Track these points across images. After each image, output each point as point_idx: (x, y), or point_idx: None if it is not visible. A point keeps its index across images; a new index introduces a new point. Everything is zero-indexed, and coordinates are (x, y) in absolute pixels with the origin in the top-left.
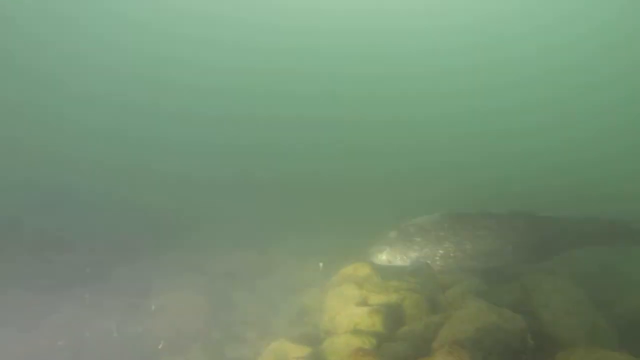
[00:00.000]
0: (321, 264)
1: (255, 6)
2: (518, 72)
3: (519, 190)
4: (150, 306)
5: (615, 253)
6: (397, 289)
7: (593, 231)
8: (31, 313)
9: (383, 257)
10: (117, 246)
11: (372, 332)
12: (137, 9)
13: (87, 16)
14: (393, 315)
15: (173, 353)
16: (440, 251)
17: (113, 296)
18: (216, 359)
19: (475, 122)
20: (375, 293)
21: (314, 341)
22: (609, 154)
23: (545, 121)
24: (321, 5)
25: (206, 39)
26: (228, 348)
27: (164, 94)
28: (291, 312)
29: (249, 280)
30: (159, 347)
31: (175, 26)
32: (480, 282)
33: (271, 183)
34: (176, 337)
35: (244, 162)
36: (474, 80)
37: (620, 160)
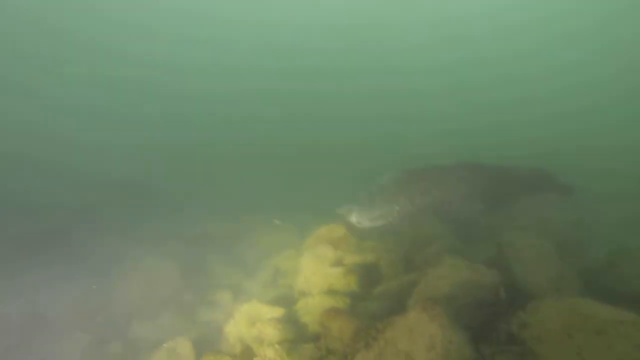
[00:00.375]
0: (277, 221)
1: None
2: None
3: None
4: (119, 272)
5: (585, 210)
6: (372, 248)
7: (530, 181)
8: None
9: (352, 218)
10: (86, 216)
11: (347, 292)
12: None
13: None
14: (369, 275)
15: (143, 318)
16: (397, 207)
17: (81, 262)
18: (187, 322)
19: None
20: (350, 253)
21: (288, 302)
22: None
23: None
24: None
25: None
26: (200, 311)
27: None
28: (265, 274)
29: (223, 245)
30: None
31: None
32: (457, 241)
33: (243, 155)
34: (146, 302)
35: (217, 135)
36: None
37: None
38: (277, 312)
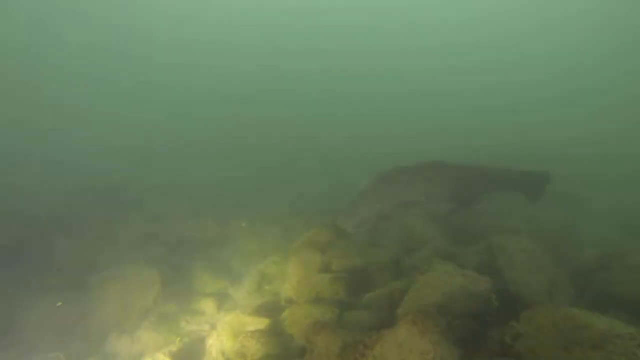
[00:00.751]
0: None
1: None
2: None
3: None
4: (96, 282)
5: (575, 211)
6: (361, 253)
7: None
8: None
9: (340, 224)
10: (62, 221)
11: (335, 300)
12: None
13: None
14: (357, 281)
15: (121, 332)
16: (374, 212)
17: (56, 273)
18: (169, 335)
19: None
20: (338, 258)
21: (274, 311)
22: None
23: None
24: None
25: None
26: (183, 322)
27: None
28: (251, 281)
29: (207, 250)
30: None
31: None
32: (448, 244)
33: (230, 151)
34: (125, 314)
35: (203, 129)
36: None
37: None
38: (262, 323)
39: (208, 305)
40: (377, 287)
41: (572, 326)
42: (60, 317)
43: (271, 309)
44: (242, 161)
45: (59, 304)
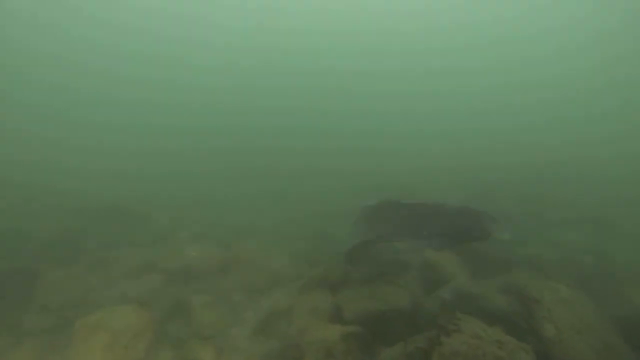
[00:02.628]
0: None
1: None
2: None
3: None
4: (80, 329)
5: (603, 233)
6: (375, 294)
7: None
8: None
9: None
10: (52, 247)
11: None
12: None
13: None
14: (372, 333)
15: None
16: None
17: (39, 311)
18: None
19: None
20: (350, 302)
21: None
22: None
23: None
24: None
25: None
26: None
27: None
28: (255, 319)
29: (208, 280)
30: None
31: None
32: (469, 280)
33: (238, 168)
34: None
35: (207, 142)
36: None
37: None
38: None
39: (207, 353)
40: (394, 339)
41: None
42: None
43: (277, 356)
44: (248, 178)
45: None
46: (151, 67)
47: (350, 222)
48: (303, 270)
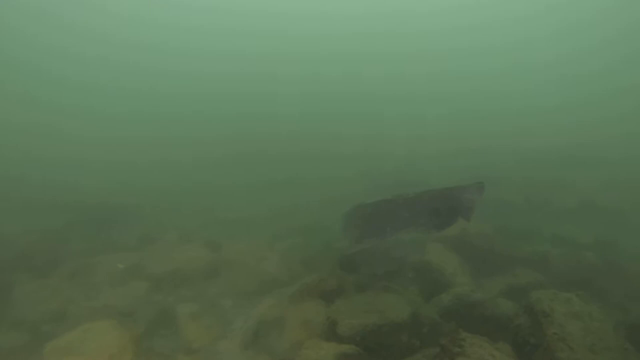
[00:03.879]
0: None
1: None
2: None
3: None
4: (52, 352)
5: (611, 225)
6: (371, 304)
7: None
8: None
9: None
10: (27, 253)
11: None
12: None
13: None
14: (369, 353)
15: None
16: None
17: (8, 330)
18: None
19: None
20: (345, 314)
21: None
22: None
23: None
24: None
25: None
26: None
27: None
28: (244, 330)
29: (196, 286)
30: None
31: None
32: (471, 281)
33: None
34: None
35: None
36: None
37: None
38: None
39: None
40: (391, 357)
41: None
42: None
43: None
44: (245, 167)
45: None
46: (148, 55)
47: (340, 226)
48: (296, 272)
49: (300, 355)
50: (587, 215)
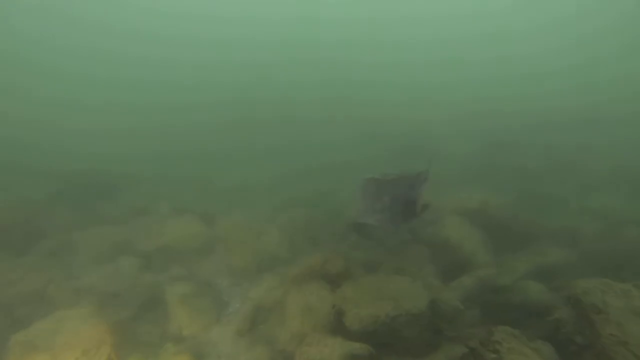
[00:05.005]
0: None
1: None
2: None
3: None
4: (15, 341)
5: None
6: (382, 289)
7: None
8: None
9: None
10: (1, 227)
11: None
12: None
13: None
14: (381, 351)
15: None
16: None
17: None
18: None
19: None
20: (354, 303)
21: None
22: None
23: None
24: None
25: None
26: None
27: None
28: (240, 315)
29: (187, 263)
30: None
31: None
32: (492, 259)
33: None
34: None
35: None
36: None
37: None
38: None
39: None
40: (407, 356)
41: None
42: None
43: None
44: (240, 138)
45: None
46: (146, 21)
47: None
48: (299, 247)
49: (301, 351)
50: (619, 184)
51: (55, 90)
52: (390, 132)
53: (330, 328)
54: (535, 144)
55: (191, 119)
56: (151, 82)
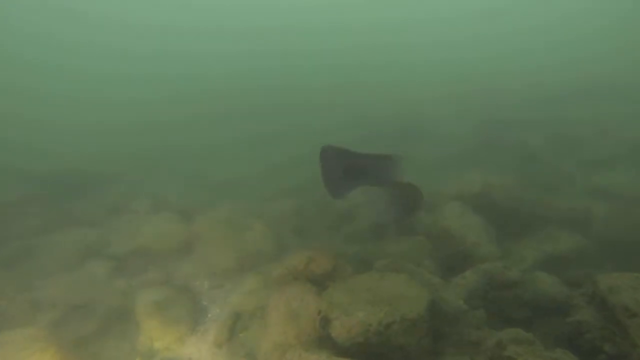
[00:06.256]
0: None
1: None
2: None
3: None
4: None
5: None
6: (376, 292)
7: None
8: None
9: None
10: None
11: None
12: None
13: None
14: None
15: None
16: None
17: None
18: None
19: None
20: (341, 310)
21: None
22: None
23: None
24: None
25: None
26: None
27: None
28: (218, 324)
29: (163, 266)
30: None
31: None
32: (497, 249)
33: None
34: None
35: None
36: None
37: None
38: None
39: None
40: None
41: None
42: None
43: None
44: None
45: None
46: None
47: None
48: (286, 242)
49: (287, 351)
50: (630, 160)
51: (31, 82)
52: (381, 113)
53: (316, 337)
54: (535, 119)
55: (184, 111)
56: (137, 75)
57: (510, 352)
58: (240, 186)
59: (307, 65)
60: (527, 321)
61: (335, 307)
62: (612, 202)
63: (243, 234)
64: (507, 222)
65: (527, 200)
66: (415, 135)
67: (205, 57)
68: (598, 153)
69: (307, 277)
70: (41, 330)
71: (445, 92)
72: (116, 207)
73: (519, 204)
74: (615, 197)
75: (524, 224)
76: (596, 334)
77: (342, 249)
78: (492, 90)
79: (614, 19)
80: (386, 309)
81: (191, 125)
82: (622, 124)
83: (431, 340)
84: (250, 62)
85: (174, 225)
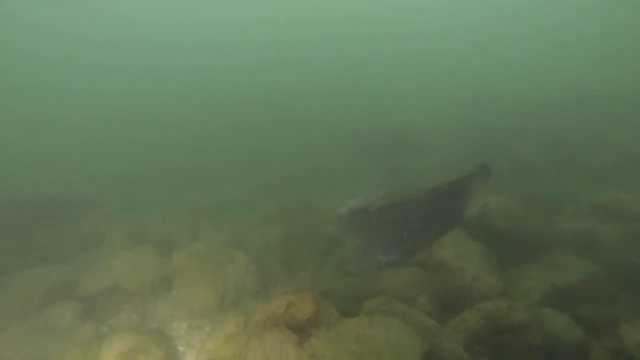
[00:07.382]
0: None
1: None
2: None
3: None
4: None
5: None
6: (365, 343)
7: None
8: None
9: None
10: None
11: None
12: None
13: None
14: None
15: None
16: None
17: None
18: None
19: None
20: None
21: None
22: None
23: None
24: None
25: None
26: None
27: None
28: None
29: (137, 305)
30: None
31: None
32: (498, 281)
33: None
34: None
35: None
36: None
37: None
38: None
39: None
40: None
41: None
42: None
43: None
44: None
45: None
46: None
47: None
48: (272, 275)
49: None
50: (633, 175)
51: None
52: (373, 127)
53: None
54: (529, 128)
55: (161, 132)
56: (115, 93)
57: None
58: (225, 211)
59: (292, 80)
60: None
61: (319, 356)
62: (617, 222)
63: (224, 268)
64: (508, 247)
65: (528, 221)
66: (406, 147)
67: (183, 74)
68: (592, 161)
69: (287, 323)
70: None
71: (438, 101)
72: (90, 241)
73: (519, 226)
74: (620, 217)
75: (526, 248)
76: None
77: (329, 284)
78: (486, 97)
79: (603, 29)
80: (376, 346)
81: (175, 145)
82: (612, 129)
83: None
84: (231, 77)
85: (151, 260)
